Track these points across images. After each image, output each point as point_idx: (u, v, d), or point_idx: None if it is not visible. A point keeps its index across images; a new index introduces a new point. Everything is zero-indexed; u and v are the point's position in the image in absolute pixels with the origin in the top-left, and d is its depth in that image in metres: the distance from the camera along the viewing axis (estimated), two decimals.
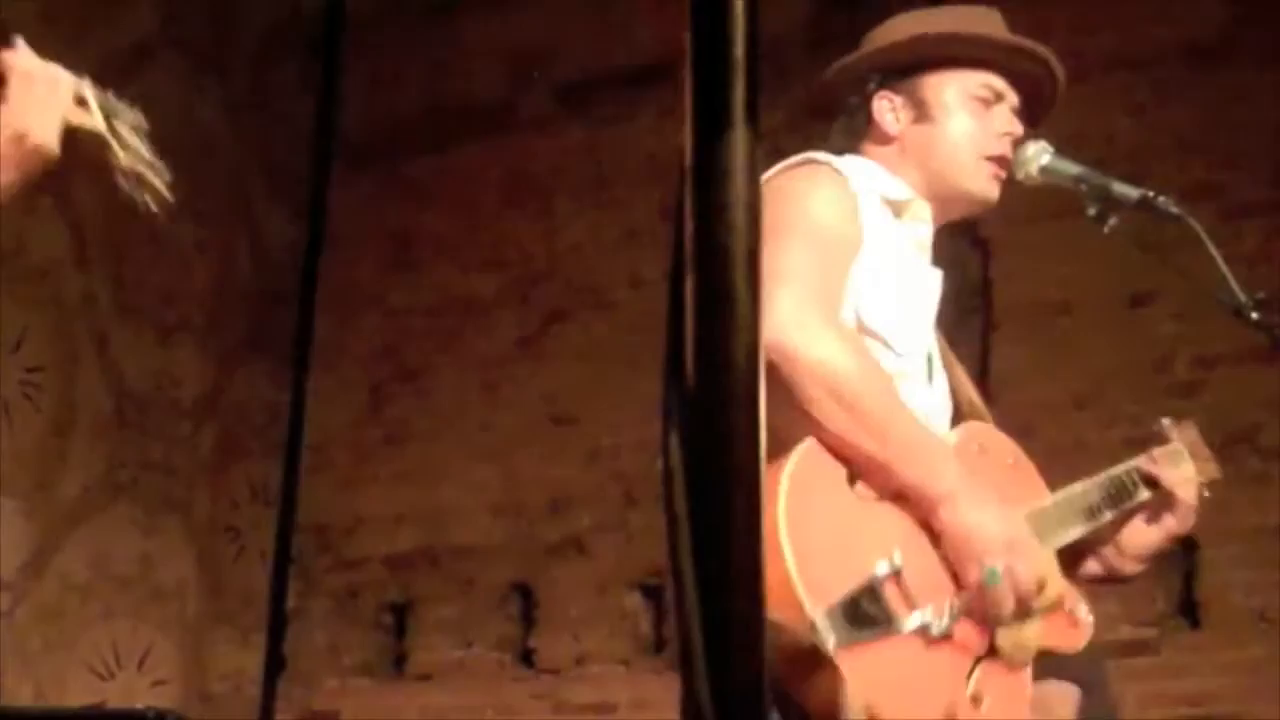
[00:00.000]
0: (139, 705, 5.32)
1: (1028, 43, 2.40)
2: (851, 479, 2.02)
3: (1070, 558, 2.25)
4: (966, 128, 2.34)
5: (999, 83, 2.36)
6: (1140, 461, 2.37)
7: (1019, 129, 2.37)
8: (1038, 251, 5.31)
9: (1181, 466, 2.38)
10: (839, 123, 2.36)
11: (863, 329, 2.14)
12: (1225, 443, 4.96)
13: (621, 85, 6.19)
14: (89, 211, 5.84)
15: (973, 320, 5.44)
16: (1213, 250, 2.21)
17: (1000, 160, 2.35)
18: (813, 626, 1.83)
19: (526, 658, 5.93)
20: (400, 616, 6.22)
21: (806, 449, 1.96)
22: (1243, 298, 2.23)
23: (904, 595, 1.95)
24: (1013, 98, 2.37)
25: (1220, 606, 4.91)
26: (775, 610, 1.83)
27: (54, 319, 5.73)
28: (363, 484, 6.41)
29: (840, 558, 1.92)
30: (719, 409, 0.81)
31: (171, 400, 6.12)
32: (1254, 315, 2.23)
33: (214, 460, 6.27)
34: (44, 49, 6.03)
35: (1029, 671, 2.05)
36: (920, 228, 2.32)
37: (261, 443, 6.48)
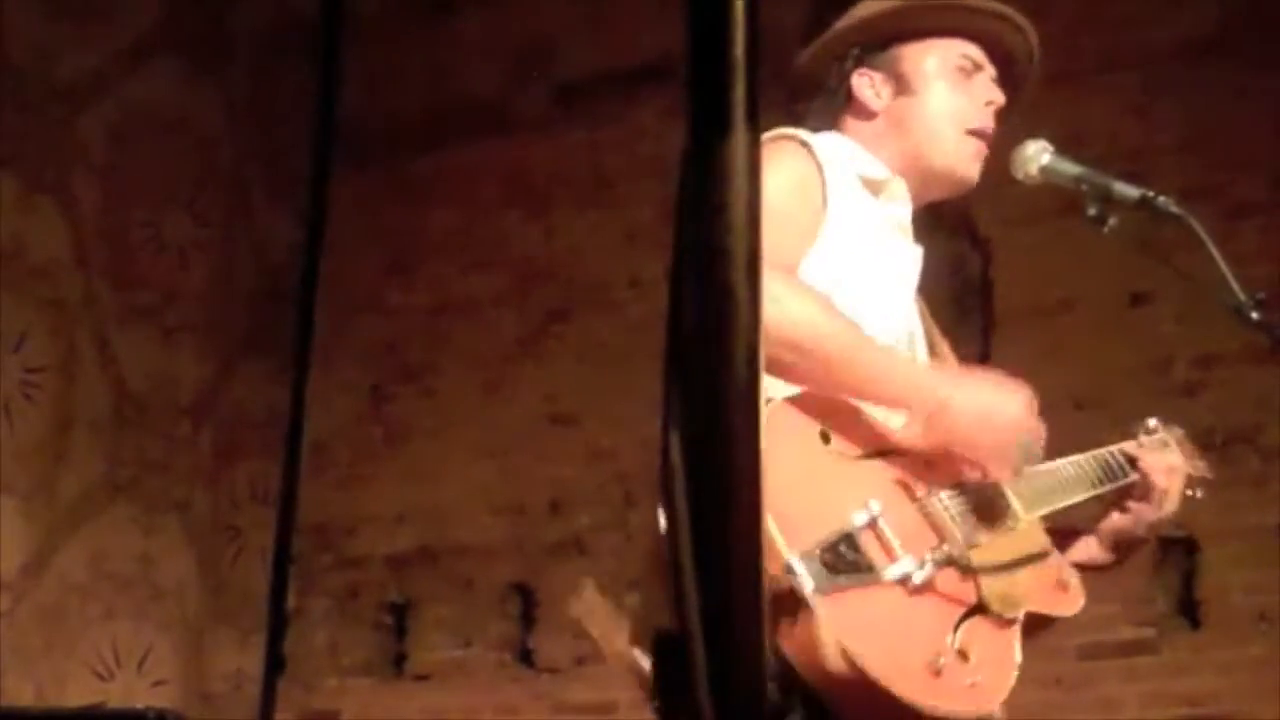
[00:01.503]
0: (139, 705, 5.32)
1: (1004, 8, 2.39)
2: (825, 437, 1.99)
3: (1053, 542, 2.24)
4: (949, 99, 2.33)
5: (977, 52, 2.36)
6: (1125, 445, 2.37)
7: (1001, 98, 2.37)
8: (1038, 251, 5.31)
9: (1166, 454, 2.38)
10: (817, 103, 2.34)
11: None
12: (1225, 443, 4.98)
13: (621, 85, 6.19)
14: (89, 211, 5.85)
15: (973, 320, 5.44)
16: (1213, 250, 2.21)
17: (983, 133, 2.34)
18: (788, 568, 1.79)
19: (526, 658, 5.93)
20: (400, 616, 6.22)
21: (775, 407, 1.93)
22: (1243, 298, 2.22)
23: (883, 545, 1.92)
24: (991, 68, 2.37)
25: (1220, 606, 4.91)
26: None
27: (54, 319, 5.73)
28: (363, 484, 6.41)
29: (815, 508, 1.88)
30: (719, 409, 0.81)
31: (171, 400, 6.12)
32: (1254, 315, 2.22)
33: (214, 460, 6.27)
34: (44, 48, 6.05)
35: (1018, 631, 2.02)
36: (898, 207, 2.30)
37: (261, 443, 6.48)
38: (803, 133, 2.23)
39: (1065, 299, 5.30)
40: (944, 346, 2.38)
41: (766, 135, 2.17)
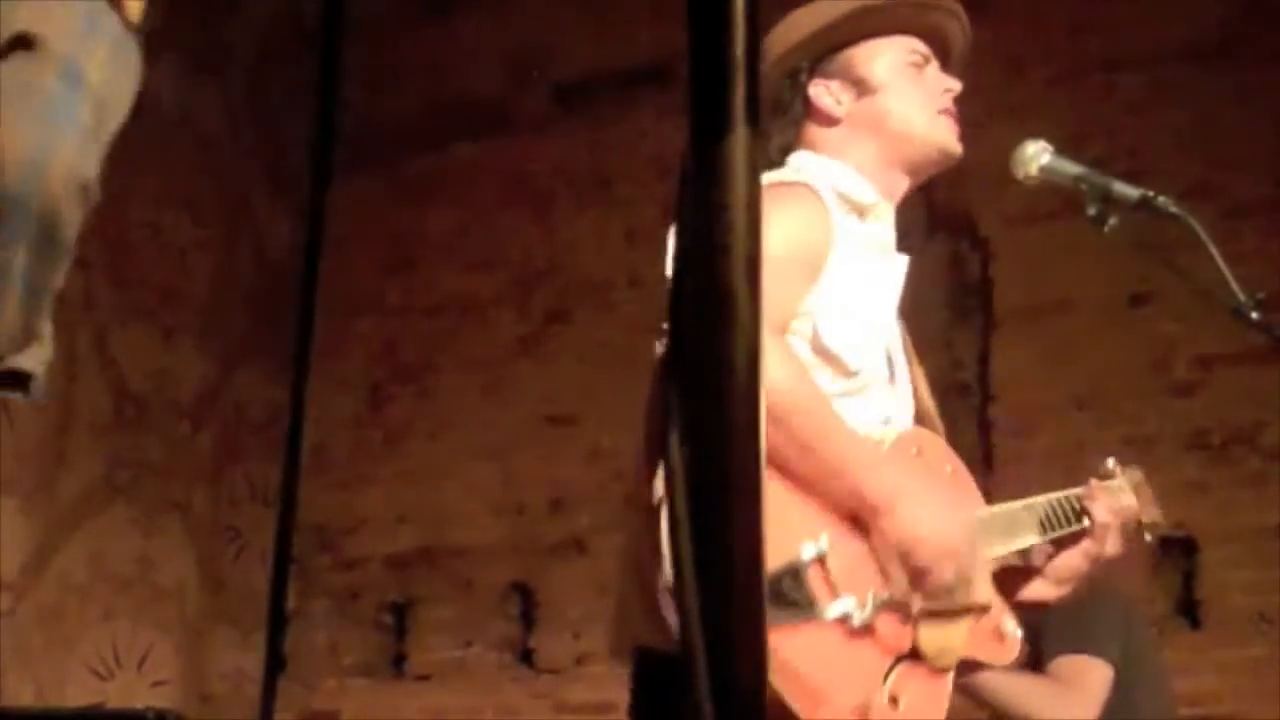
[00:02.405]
0: (139, 705, 5.32)
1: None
2: (777, 471, 1.96)
3: (999, 580, 2.22)
4: (910, 93, 2.34)
5: (922, 46, 2.38)
6: (1079, 491, 2.35)
7: (957, 84, 2.37)
8: (1038, 251, 5.31)
9: (1119, 499, 2.38)
10: (777, 123, 2.34)
11: (819, 349, 2.10)
12: (1225, 443, 4.99)
13: (621, 85, 6.19)
14: (89, 211, 5.84)
15: (973, 320, 5.44)
16: (1213, 250, 2.21)
17: (949, 113, 2.35)
18: None
19: (526, 658, 5.93)
20: (400, 616, 6.22)
21: None
22: (1243, 298, 2.22)
23: (827, 582, 1.90)
24: (935, 59, 2.38)
25: (1220, 606, 4.91)
26: None
27: (54, 319, 5.71)
28: (363, 484, 6.41)
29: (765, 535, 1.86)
30: (719, 409, 0.81)
31: (171, 400, 6.12)
32: (1254, 315, 2.22)
33: (214, 460, 6.27)
34: None
35: (950, 679, 2.01)
36: (883, 229, 2.30)
37: (261, 443, 6.48)
38: (804, 174, 2.22)
39: (1065, 299, 5.30)
40: (918, 370, 2.36)
41: (771, 179, 2.16)
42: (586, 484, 5.84)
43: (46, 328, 1.67)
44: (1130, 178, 2.38)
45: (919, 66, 2.37)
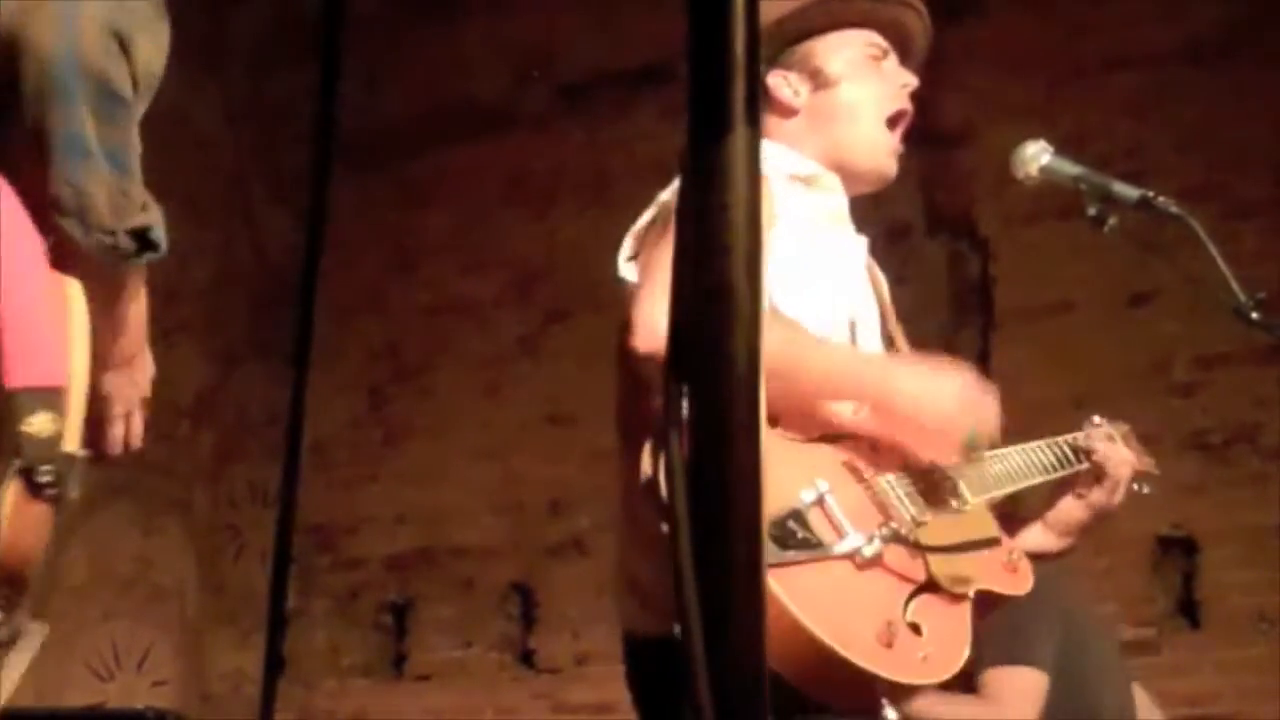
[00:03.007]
0: (139, 705, 5.32)
1: None
2: (772, 421, 1.99)
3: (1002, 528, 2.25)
4: (865, 87, 2.35)
5: (881, 39, 2.40)
6: (1075, 435, 2.37)
7: (914, 80, 2.39)
8: (1038, 251, 5.31)
9: (1118, 447, 2.39)
10: None
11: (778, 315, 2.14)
12: (1225, 443, 4.99)
13: (621, 85, 6.19)
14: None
15: (973, 320, 5.45)
16: (1213, 250, 2.21)
17: (901, 116, 2.36)
18: None
19: (526, 658, 5.93)
20: (400, 616, 6.22)
21: None
22: (1243, 298, 2.22)
23: (831, 522, 1.93)
24: (894, 52, 2.40)
25: (1220, 606, 4.91)
26: None
27: None
28: (363, 484, 6.41)
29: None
30: (719, 409, 0.81)
31: (171, 400, 6.12)
32: (1254, 315, 2.22)
33: (214, 460, 6.27)
34: None
35: (969, 609, 2.01)
36: (832, 197, 2.32)
37: (261, 443, 6.48)
38: None
39: (1065, 299, 5.30)
40: (900, 338, 2.38)
41: None
42: (586, 484, 5.83)
43: (143, 191, 1.72)
44: (1130, 178, 2.38)
45: (877, 60, 2.38)
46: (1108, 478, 2.32)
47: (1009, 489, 2.25)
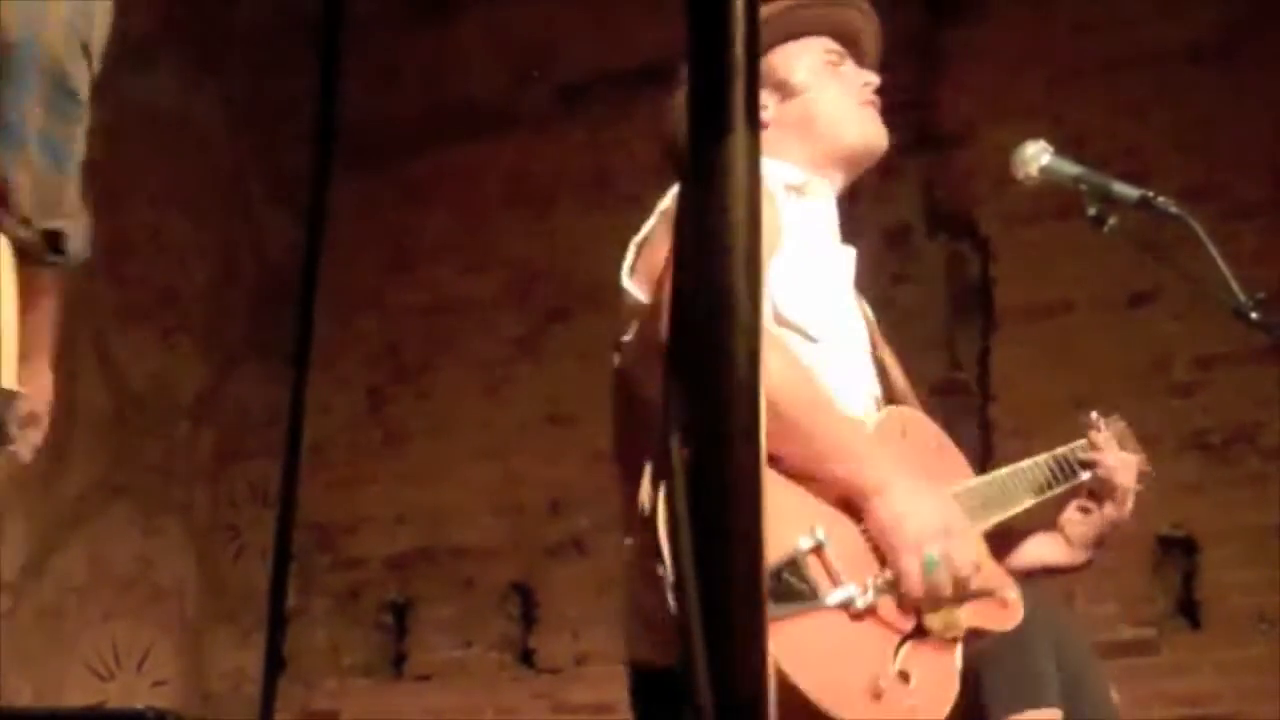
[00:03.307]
0: (139, 705, 5.31)
1: None
2: (771, 460, 1.97)
3: (1003, 544, 2.23)
4: (834, 88, 2.37)
5: (834, 44, 2.41)
6: (1075, 446, 2.37)
7: (875, 78, 2.40)
8: (1038, 251, 5.31)
9: (1119, 452, 2.38)
10: None
11: (781, 321, 2.13)
12: (1225, 443, 4.99)
13: (621, 85, 6.19)
14: (88, 211, 5.84)
15: (973, 320, 5.44)
16: (1213, 250, 2.21)
17: (871, 107, 2.37)
18: None
19: (526, 658, 5.92)
20: (400, 616, 6.22)
21: None
22: (1243, 298, 2.22)
23: (827, 570, 1.92)
24: (848, 56, 2.41)
25: (1220, 606, 4.91)
26: None
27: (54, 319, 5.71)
28: (363, 484, 6.41)
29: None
30: (719, 408, 0.81)
31: (171, 400, 6.12)
32: (1254, 315, 2.22)
33: (214, 460, 6.27)
34: None
35: (959, 650, 2.01)
36: (822, 204, 2.32)
37: (261, 443, 6.48)
38: None
39: (1065, 299, 5.30)
40: (888, 351, 2.37)
41: None
42: (586, 484, 5.83)
43: (77, 197, 1.69)
44: (1130, 178, 2.38)
45: (835, 65, 2.40)
46: (1117, 488, 2.31)
47: (1007, 514, 2.23)
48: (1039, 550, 2.31)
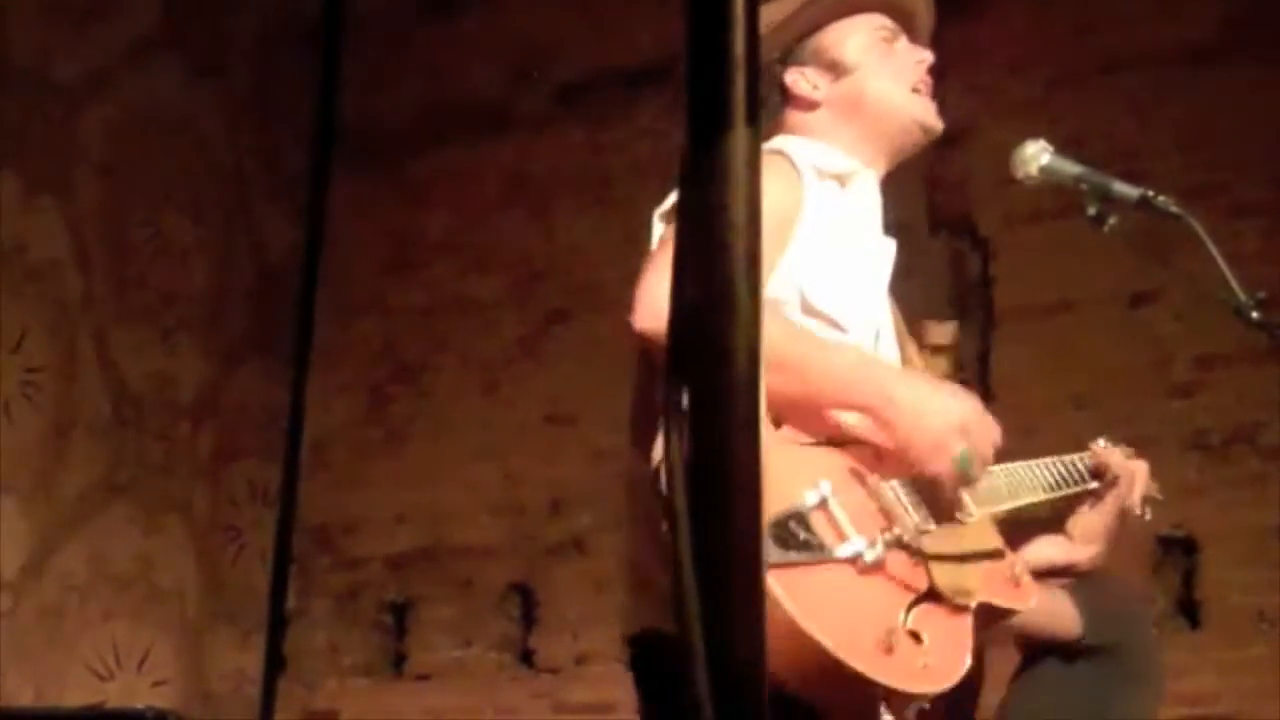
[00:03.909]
0: (139, 705, 5.32)
1: None
2: (776, 423, 1.96)
3: (1019, 541, 2.23)
4: (885, 66, 2.36)
5: (888, 20, 2.41)
6: (1083, 454, 2.37)
7: (929, 55, 2.40)
8: (1038, 251, 5.31)
9: (1129, 459, 2.38)
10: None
11: (808, 309, 2.11)
12: (1225, 443, 4.99)
13: (621, 85, 6.19)
14: (89, 211, 5.85)
15: (973, 320, 5.44)
16: (1213, 250, 2.21)
17: (921, 89, 2.38)
18: None
19: (526, 658, 5.92)
20: (400, 616, 6.22)
21: None
22: (1243, 298, 2.22)
23: (833, 525, 1.90)
24: (901, 33, 2.40)
25: (1220, 606, 4.91)
26: None
27: (54, 319, 5.73)
28: (363, 484, 6.41)
29: (766, 486, 1.85)
30: (719, 407, 0.81)
31: (171, 400, 6.12)
32: (1254, 315, 2.22)
33: (214, 460, 6.27)
34: (45, 48, 6.04)
35: (970, 620, 1.99)
36: (867, 197, 2.31)
37: (261, 443, 6.48)
38: (776, 142, 2.23)
39: (1065, 299, 5.30)
40: (911, 348, 2.37)
41: None
42: (586, 484, 5.84)
43: None
44: (1130, 178, 2.38)
45: (889, 42, 2.39)
46: (1122, 480, 2.32)
47: (1015, 503, 2.23)
48: (1045, 549, 2.31)
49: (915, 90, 2.36)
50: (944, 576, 1.97)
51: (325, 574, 6.40)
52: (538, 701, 5.81)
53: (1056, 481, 2.31)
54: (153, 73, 6.15)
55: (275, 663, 6.34)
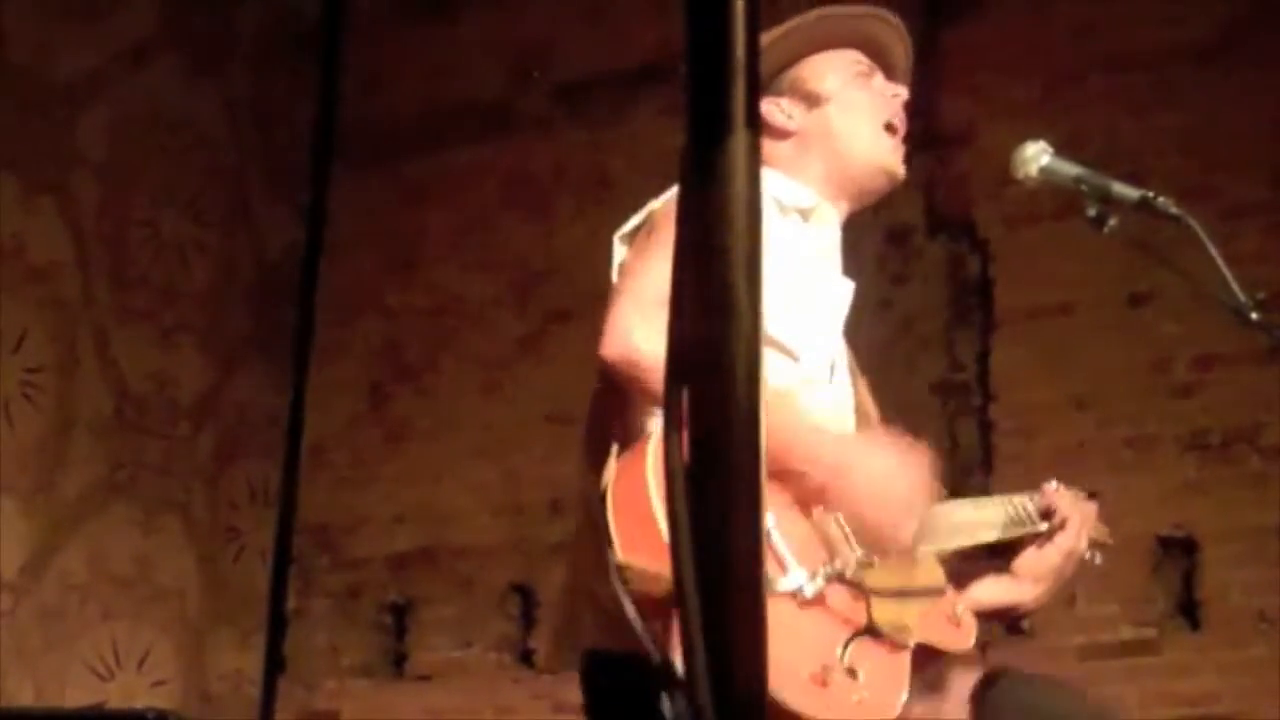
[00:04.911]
0: (139, 705, 5.32)
1: (875, 10, 2.44)
2: None
3: (960, 578, 2.21)
4: (860, 99, 2.35)
5: (863, 57, 2.40)
6: (1033, 494, 2.33)
7: (904, 91, 2.39)
8: (1038, 251, 5.31)
9: (1077, 503, 2.34)
10: None
11: (764, 338, 2.10)
12: (1225, 443, 4.99)
13: (621, 85, 6.19)
14: (89, 211, 5.85)
15: (973, 320, 5.44)
16: (1212, 250, 2.21)
17: (896, 125, 2.37)
18: None
19: (526, 658, 5.92)
20: (400, 616, 6.22)
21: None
22: (1243, 298, 2.22)
23: (775, 557, 1.90)
24: (878, 69, 2.40)
25: (1220, 606, 4.91)
26: (642, 556, 1.80)
27: (54, 319, 5.73)
28: (363, 484, 6.40)
29: None
30: (719, 409, 0.81)
31: (171, 400, 6.12)
32: (1254, 315, 2.22)
33: (214, 460, 6.26)
34: (44, 48, 6.04)
35: (908, 659, 1.98)
36: (827, 232, 2.30)
37: (261, 443, 6.48)
38: None
39: (1065, 299, 5.30)
40: (863, 385, 2.36)
41: None
42: None
43: None
44: (1130, 178, 2.38)
45: (865, 76, 2.39)
46: (1071, 523, 2.27)
47: (960, 543, 2.20)
48: (990, 588, 2.27)
49: (889, 127, 2.36)
50: (884, 612, 1.97)
51: (325, 574, 6.40)
52: (538, 702, 5.81)
53: (1005, 521, 2.27)
54: (153, 73, 6.15)
55: (275, 663, 6.34)
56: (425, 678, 6.11)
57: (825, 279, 2.27)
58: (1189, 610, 4.95)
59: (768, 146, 2.32)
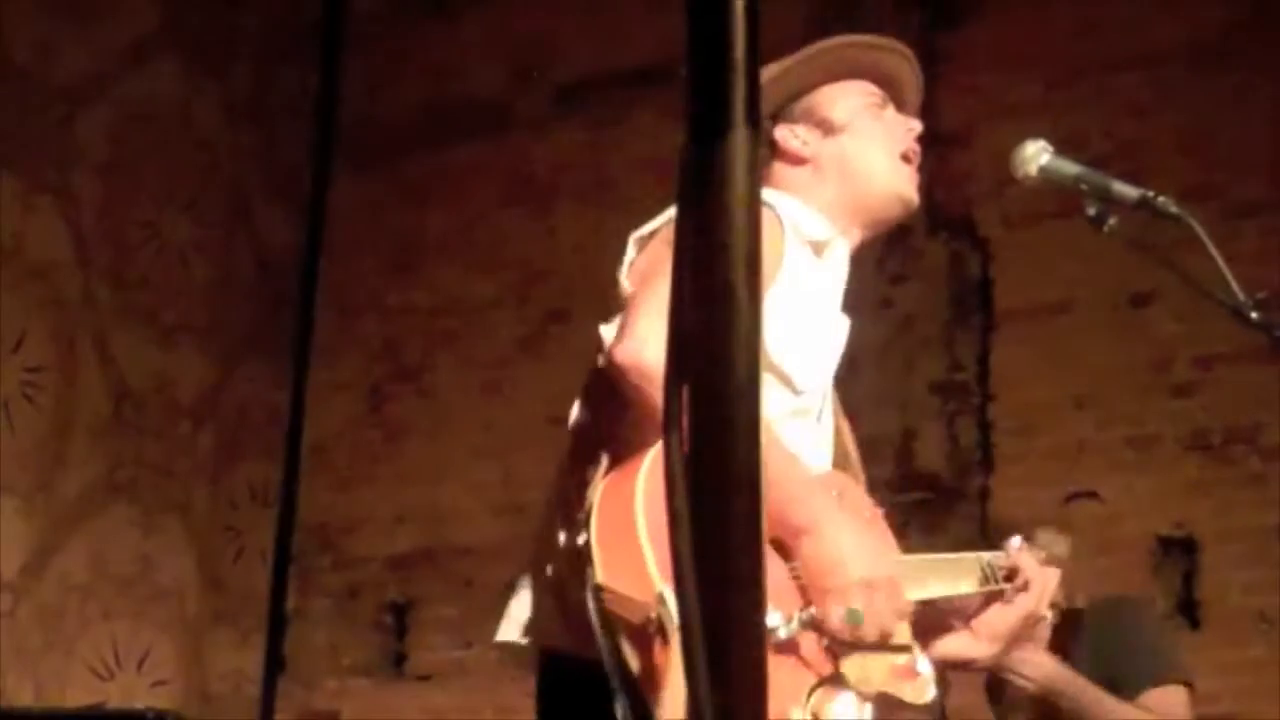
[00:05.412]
0: (139, 705, 5.32)
1: (887, 41, 2.45)
2: None
3: (923, 630, 2.20)
4: (875, 129, 2.36)
5: (876, 89, 2.41)
6: (998, 554, 2.32)
7: (917, 124, 2.40)
8: (1038, 251, 5.31)
9: (1042, 565, 2.33)
10: None
11: (768, 365, 2.09)
12: (1225, 442, 4.99)
13: (621, 85, 6.19)
14: (89, 211, 5.85)
15: (973, 320, 5.44)
16: (1213, 250, 2.20)
17: (910, 156, 2.37)
18: (661, 598, 1.77)
19: None
20: (400, 616, 6.22)
21: (658, 450, 1.90)
22: (1242, 298, 2.22)
23: None
24: (890, 102, 2.41)
25: (1220, 606, 4.91)
26: (625, 583, 1.81)
27: (54, 319, 5.73)
28: (363, 484, 6.41)
29: None
30: (719, 408, 0.81)
31: (171, 400, 6.12)
32: (1254, 315, 2.22)
33: (213, 460, 6.27)
34: (45, 48, 6.05)
35: (871, 709, 1.99)
36: (839, 268, 2.30)
37: (261, 443, 6.48)
38: (765, 194, 2.23)
39: (1065, 299, 5.30)
40: (844, 421, 2.36)
41: None
42: None
43: None
44: (1130, 178, 2.38)
45: (879, 108, 2.39)
46: (1033, 584, 2.25)
47: (924, 595, 2.19)
48: (949, 643, 2.25)
49: (904, 158, 2.37)
50: (850, 663, 1.97)
51: (325, 574, 6.40)
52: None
53: (971, 578, 2.27)
54: (153, 73, 6.15)
55: (275, 663, 6.34)
56: (425, 678, 6.11)
57: (828, 316, 2.27)
58: (1189, 610, 4.95)
59: (783, 172, 2.34)
